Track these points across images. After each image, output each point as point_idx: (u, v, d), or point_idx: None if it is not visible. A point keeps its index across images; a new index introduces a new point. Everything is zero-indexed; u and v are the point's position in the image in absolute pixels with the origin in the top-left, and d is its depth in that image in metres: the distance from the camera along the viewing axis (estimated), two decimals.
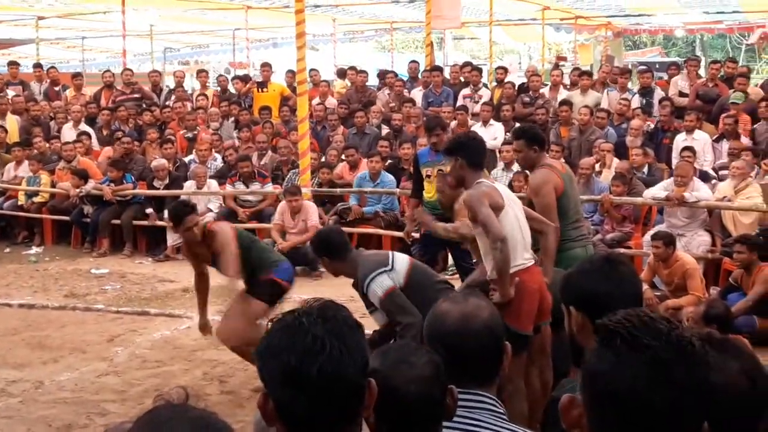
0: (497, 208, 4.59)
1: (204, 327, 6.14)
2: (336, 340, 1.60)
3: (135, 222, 11.03)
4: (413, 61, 15.00)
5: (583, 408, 1.44)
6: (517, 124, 11.42)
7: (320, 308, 1.66)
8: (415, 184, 7.68)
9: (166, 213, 6.29)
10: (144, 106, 13.61)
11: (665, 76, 13.68)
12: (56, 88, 14.76)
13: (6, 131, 12.84)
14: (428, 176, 7.40)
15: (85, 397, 5.87)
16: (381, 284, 4.82)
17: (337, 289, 8.05)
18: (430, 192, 7.33)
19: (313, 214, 9.81)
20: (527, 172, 9.17)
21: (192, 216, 5.82)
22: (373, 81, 15.16)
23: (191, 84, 16.52)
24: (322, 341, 1.58)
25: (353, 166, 10.94)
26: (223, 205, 11.02)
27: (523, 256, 4.67)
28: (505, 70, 14.59)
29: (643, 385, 1.37)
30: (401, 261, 5.00)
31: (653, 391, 1.37)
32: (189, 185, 11.09)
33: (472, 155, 4.84)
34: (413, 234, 8.08)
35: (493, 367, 2.21)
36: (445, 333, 2.19)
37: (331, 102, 13.60)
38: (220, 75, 15.73)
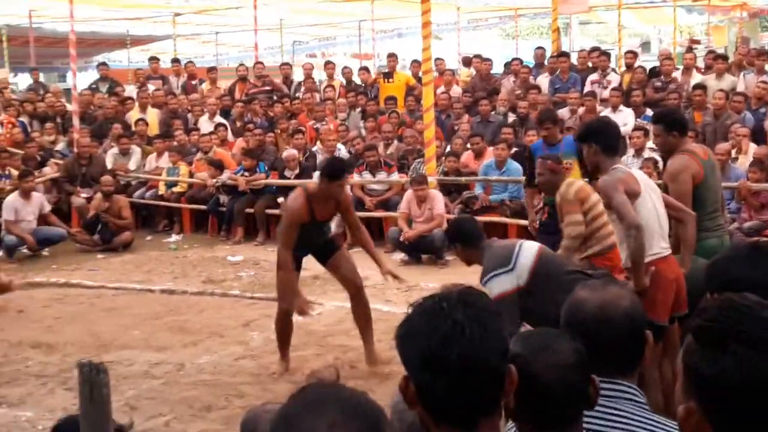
0: (633, 195, 4.51)
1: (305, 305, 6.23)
2: (476, 325, 1.60)
3: (267, 211, 11.38)
4: (539, 48, 14.80)
5: (700, 414, 1.38)
6: (648, 110, 11.18)
7: (461, 293, 1.67)
8: (529, 175, 7.60)
9: (328, 167, 6.21)
10: (275, 98, 14.00)
11: None
12: (193, 82, 15.34)
13: (147, 124, 13.49)
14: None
15: (224, 380, 6.10)
16: (499, 285, 4.68)
17: (462, 277, 8.09)
18: None
19: (438, 202, 9.87)
20: (656, 158, 9.00)
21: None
22: (497, 69, 15.07)
23: (319, 76, 16.84)
24: (462, 326, 1.59)
25: (478, 155, 10.93)
26: (350, 194, 11.21)
27: (659, 245, 4.57)
28: (635, 54, 14.20)
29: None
30: (527, 256, 4.76)
31: None
32: (318, 175, 11.33)
33: (605, 140, 4.76)
34: (536, 224, 8.05)
35: (634, 356, 2.19)
36: (584, 321, 2.17)
37: (456, 91, 13.61)
38: (345, 67, 16.01)
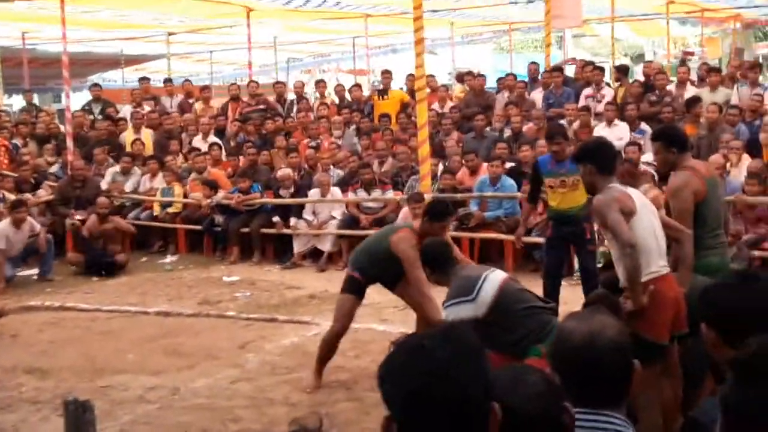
0: (629, 214, 4.51)
1: None
2: (459, 363, 1.58)
3: (263, 230, 11.36)
4: (533, 63, 14.84)
5: None
6: (642, 124, 11.18)
7: (443, 330, 1.66)
8: (532, 190, 7.57)
9: (432, 209, 6.28)
10: (269, 116, 13.98)
11: None
12: (190, 101, 15.31)
13: (144, 144, 13.47)
14: (551, 186, 7.24)
15: (219, 404, 6.05)
16: (455, 313, 4.70)
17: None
18: (554, 200, 7.24)
19: None
20: (652, 172, 8.99)
21: None
22: (491, 84, 15.09)
23: (312, 93, 16.87)
24: (444, 365, 1.57)
25: (473, 171, 10.90)
26: (346, 212, 11.20)
27: (657, 264, 4.54)
28: (624, 71, 14.25)
29: None
30: (489, 288, 4.71)
31: None
32: (313, 193, 11.33)
33: (601, 160, 4.78)
34: (523, 239, 8.12)
35: (622, 386, 2.17)
36: (571, 351, 2.16)
37: (450, 107, 13.62)
38: (337, 84, 16.04)
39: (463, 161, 11.12)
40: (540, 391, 1.95)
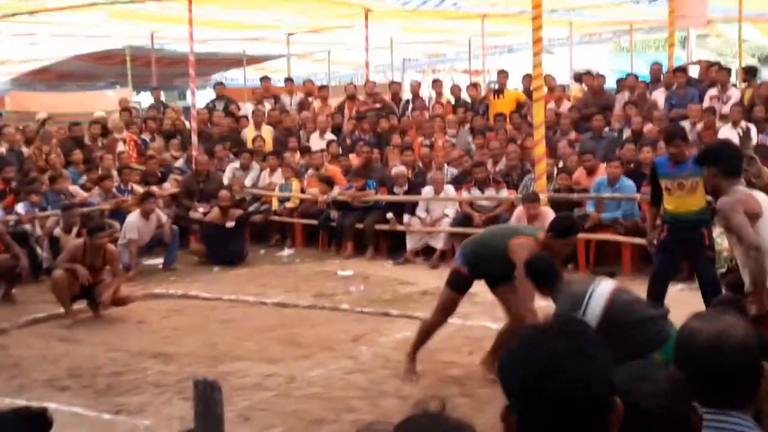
0: (754, 217, 4.40)
1: None
2: (577, 357, 1.57)
3: (377, 227, 11.50)
4: (655, 63, 14.47)
5: None
6: None
7: (563, 323, 1.66)
8: (653, 192, 7.36)
9: (556, 225, 6.22)
10: (384, 115, 14.14)
11: None
12: (310, 99, 15.65)
13: (264, 141, 13.86)
14: (668, 189, 6.98)
15: (334, 394, 6.17)
16: None
17: None
18: (671, 204, 7.01)
19: (549, 220, 9.73)
20: None
21: None
22: (610, 83, 14.80)
23: (427, 93, 16.94)
24: (561, 358, 1.56)
25: (590, 172, 10.74)
26: (459, 210, 11.22)
27: None
28: (754, 70, 13.72)
29: None
30: (598, 300, 4.65)
31: None
32: (427, 191, 11.40)
33: (725, 164, 4.68)
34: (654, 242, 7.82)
35: (748, 388, 2.12)
36: (697, 350, 2.12)
37: (566, 107, 13.46)
38: (453, 84, 16.05)
39: (581, 161, 10.96)
40: (665, 388, 1.93)
